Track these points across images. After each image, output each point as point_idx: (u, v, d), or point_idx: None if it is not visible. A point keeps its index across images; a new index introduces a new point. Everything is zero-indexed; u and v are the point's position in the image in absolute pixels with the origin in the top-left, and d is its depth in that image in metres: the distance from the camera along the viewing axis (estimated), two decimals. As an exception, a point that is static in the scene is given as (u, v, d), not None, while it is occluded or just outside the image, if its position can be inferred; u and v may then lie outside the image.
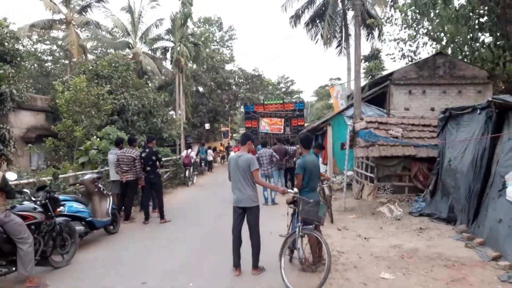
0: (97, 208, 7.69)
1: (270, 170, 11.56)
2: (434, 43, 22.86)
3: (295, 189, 5.44)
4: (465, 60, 14.52)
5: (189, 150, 16.56)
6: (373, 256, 6.38)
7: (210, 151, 22.84)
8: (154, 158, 9.17)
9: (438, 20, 16.34)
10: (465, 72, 13.76)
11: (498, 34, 10.97)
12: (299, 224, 5.13)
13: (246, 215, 5.52)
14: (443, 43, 21.16)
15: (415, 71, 14.00)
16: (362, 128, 10.79)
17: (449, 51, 15.54)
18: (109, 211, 7.80)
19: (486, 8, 11.01)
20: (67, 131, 13.59)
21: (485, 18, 11.46)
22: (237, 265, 5.49)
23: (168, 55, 28.26)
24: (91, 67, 17.66)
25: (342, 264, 5.92)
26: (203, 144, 23.69)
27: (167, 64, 30.33)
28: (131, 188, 9.29)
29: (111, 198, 8.14)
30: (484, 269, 5.68)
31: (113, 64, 18.10)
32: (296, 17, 28.37)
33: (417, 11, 17.99)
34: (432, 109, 13.82)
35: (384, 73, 17.33)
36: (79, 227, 6.74)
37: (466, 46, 13.45)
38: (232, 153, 9.66)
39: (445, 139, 9.28)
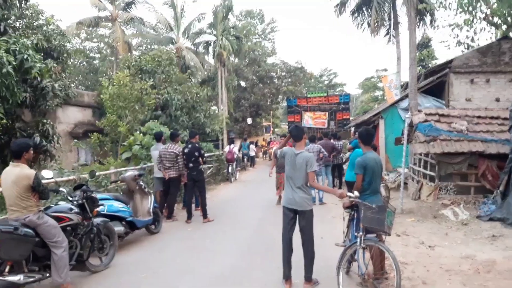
0: (139, 206, 7.36)
1: (317, 167, 10.83)
2: (493, 28, 21.05)
3: (356, 192, 4.74)
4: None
5: (232, 145, 16.15)
6: (443, 269, 5.56)
7: (252, 146, 22.38)
8: (197, 154, 8.75)
9: (500, 1, 14.77)
10: (536, 58, 12.29)
11: None
12: (361, 233, 4.43)
13: (298, 219, 4.90)
14: (504, 28, 19.35)
15: (477, 57, 12.69)
16: (421, 121, 9.81)
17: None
18: (151, 210, 7.46)
19: None
20: (111, 126, 13.55)
21: None
22: (287, 277, 4.88)
23: (211, 49, 28.03)
24: (134, 62, 17.65)
25: (408, 279, 5.16)
26: (245, 139, 23.26)
27: (210, 59, 30.18)
28: (173, 186, 8.95)
29: (152, 196, 7.80)
30: None
31: (156, 59, 17.99)
32: (341, 5, 27.15)
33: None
34: (497, 100, 12.49)
35: (440, 61, 16.01)
36: (119, 228, 6.42)
37: None
38: (284, 148, 8.98)
39: (521, 133, 8.16)
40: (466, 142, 9.05)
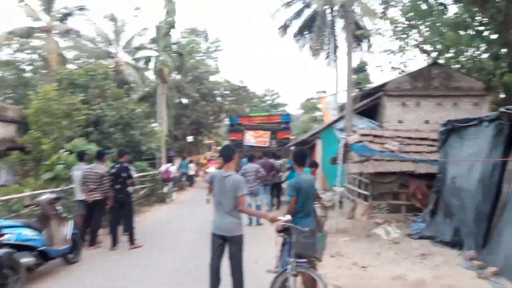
0: (55, 234, 6.58)
1: (256, 187, 10.61)
2: (425, 55, 22.56)
3: (287, 216, 4.51)
4: (461, 70, 13.95)
5: (169, 165, 15.51)
6: (375, 292, 5.47)
7: (191, 165, 21.78)
8: (124, 174, 8.14)
9: (431, 30, 15.85)
10: (461, 83, 13.17)
11: (499, 43, 10.40)
12: (292, 260, 4.18)
13: (227, 246, 4.55)
14: (434, 54, 20.79)
15: (409, 82, 13.34)
16: (356, 141, 9.98)
17: (442, 62, 14.96)
18: (69, 237, 6.72)
19: (485, 15, 10.43)
20: (34, 144, 12.43)
21: (483, 26, 10.89)
22: (214, 309, 4.49)
23: (151, 65, 27.29)
24: (65, 76, 16.56)
25: (341, 304, 4.98)
26: (184, 158, 22.61)
27: (151, 75, 29.36)
28: (98, 209, 8.23)
29: (72, 222, 7.07)
30: (507, 309, 4.82)
31: (90, 73, 17.03)
32: (284, 28, 27.87)
33: (414, 18, 17.47)
34: (427, 122, 13.14)
35: (375, 84, 16.78)
36: (29, 259, 5.65)
37: (463, 56, 12.86)
38: (211, 168, 8.84)
39: (447, 154, 8.51)
40: (398, 162, 9.30)
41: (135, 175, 9.75)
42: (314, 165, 8.77)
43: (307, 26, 28.16)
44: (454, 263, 6.63)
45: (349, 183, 11.24)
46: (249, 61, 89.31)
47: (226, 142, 35.19)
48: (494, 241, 6.14)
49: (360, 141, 10.00)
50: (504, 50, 10.76)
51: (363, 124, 13.33)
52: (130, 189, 8.51)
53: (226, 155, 4.65)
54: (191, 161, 22.30)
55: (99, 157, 8.35)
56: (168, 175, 14.90)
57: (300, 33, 28.39)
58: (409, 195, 9.21)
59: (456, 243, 7.27)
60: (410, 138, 10.23)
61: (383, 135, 10.32)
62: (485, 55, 12.97)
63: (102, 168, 8.13)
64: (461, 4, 11.24)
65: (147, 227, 10.45)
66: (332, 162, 11.86)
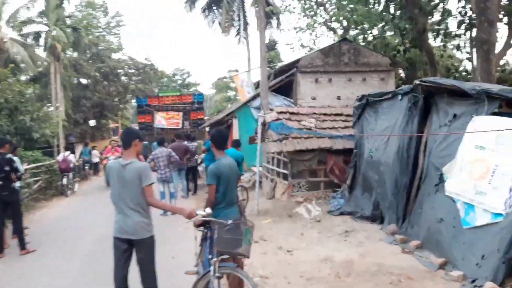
0: None
1: (168, 173, 9.71)
2: (332, 32, 23.13)
3: (207, 209, 3.83)
4: (368, 47, 14.32)
5: (67, 153, 13.73)
6: (305, 278, 5.12)
7: (95, 152, 19.79)
8: (7, 168, 6.71)
9: (339, 6, 16.06)
10: (369, 59, 13.48)
11: (405, 18, 10.72)
12: (214, 260, 3.54)
13: (135, 251, 3.74)
14: (341, 32, 21.35)
15: (321, 58, 13.30)
16: (273, 119, 9.60)
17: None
18: None
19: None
20: None
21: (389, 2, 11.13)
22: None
23: (42, 41, 24.07)
24: None
25: (271, 298, 4.50)
26: (86, 144, 20.49)
27: (42, 53, 25.95)
28: (-24, 210, 6.72)
29: None
30: (435, 282, 4.78)
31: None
32: (191, 1, 26.47)
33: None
34: (338, 98, 13.28)
35: (288, 61, 16.66)
36: None
37: (370, 32, 13.15)
38: (110, 159, 7.84)
39: (362, 129, 8.51)
40: (315, 139, 9.14)
41: (22, 167, 8.21)
42: (238, 144, 8.59)
43: (215, 1, 27.17)
44: (377, 238, 6.60)
45: (267, 163, 10.90)
46: (155, 38, 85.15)
47: (134, 125, 33.11)
48: (415, 214, 6.18)
49: (278, 119, 9.65)
50: (409, 26, 11.16)
51: (279, 102, 13.07)
52: (16, 184, 7.12)
53: (125, 140, 3.80)
54: (93, 147, 20.25)
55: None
56: (66, 165, 13.14)
57: (208, 7, 27.36)
58: (327, 172, 9.12)
59: (376, 217, 7.30)
60: (325, 114, 10.16)
61: (299, 112, 10.10)
62: (390, 32, 13.39)
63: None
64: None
65: (44, 226, 9.04)
66: (250, 141, 11.40)
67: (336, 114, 10.13)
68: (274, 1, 26.72)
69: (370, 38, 16.48)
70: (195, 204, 10.95)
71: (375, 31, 15.65)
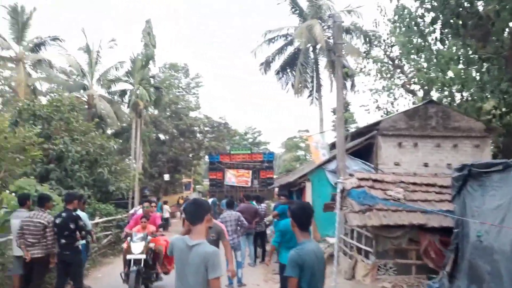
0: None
1: (236, 239, 8.94)
2: (411, 95, 21.98)
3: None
4: (460, 110, 13.02)
5: (138, 207, 13.62)
6: None
7: (166, 207, 19.84)
8: (72, 226, 6.46)
9: (419, 68, 15.16)
10: (460, 123, 12.18)
11: (507, 79, 9.52)
12: None
13: None
14: (421, 95, 20.15)
15: (404, 120, 12.27)
16: (354, 186, 8.59)
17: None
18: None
19: (487, 50, 9.56)
20: (-23, 183, 10.56)
21: (485, 62, 10.00)
22: None
23: (126, 98, 25.85)
24: (26, 106, 14.91)
25: None
26: (158, 199, 20.69)
27: (126, 109, 27.85)
28: (38, 270, 6.47)
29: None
30: None
31: (54, 104, 15.45)
32: (266, 64, 27.13)
33: (401, 56, 16.83)
34: (426, 165, 11.99)
35: (360, 125, 15.83)
36: None
37: (471, 91, 11.90)
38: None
39: (465, 205, 7.17)
40: (405, 213, 7.91)
41: (89, 223, 8.03)
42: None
43: (290, 63, 27.53)
44: None
45: (345, 235, 9.74)
46: (231, 98, 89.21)
47: (206, 181, 33.45)
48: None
49: (359, 186, 8.63)
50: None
51: (356, 166, 12.04)
52: (79, 242, 6.85)
53: (194, 214, 3.13)
54: (165, 202, 20.37)
55: (41, 203, 6.63)
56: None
57: (282, 70, 27.70)
58: (421, 253, 7.74)
59: (490, 320, 5.78)
60: (415, 183, 8.92)
61: (384, 179, 8.99)
62: (479, 93, 12.05)
63: (44, 217, 6.42)
64: (459, 38, 10.39)
65: (109, 284, 8.63)
66: (325, 208, 10.41)
67: (428, 184, 8.85)
68: (349, 64, 26.44)
69: (458, 100, 15.16)
70: (262, 273, 10.01)
71: (465, 93, 14.30)
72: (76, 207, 6.93)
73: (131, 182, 18.86)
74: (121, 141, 26.73)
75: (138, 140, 23.27)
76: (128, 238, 7.71)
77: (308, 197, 12.38)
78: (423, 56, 13.52)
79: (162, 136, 28.85)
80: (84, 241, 7.53)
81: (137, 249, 7.40)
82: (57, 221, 6.45)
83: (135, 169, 22.01)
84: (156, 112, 29.14)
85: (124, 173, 18.17)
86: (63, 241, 6.40)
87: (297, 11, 27.47)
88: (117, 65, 26.67)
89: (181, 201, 29.22)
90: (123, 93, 26.29)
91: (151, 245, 7.80)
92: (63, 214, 6.53)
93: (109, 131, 28.39)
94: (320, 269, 3.33)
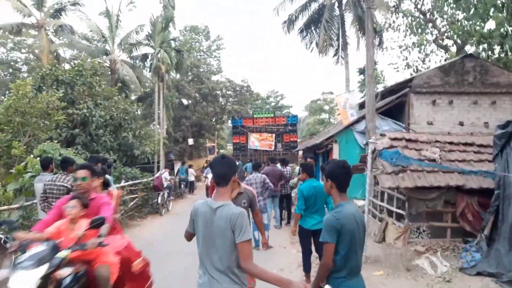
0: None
1: (262, 202, 8.74)
2: (443, 51, 20.73)
3: (327, 286, 2.68)
4: (500, 63, 12.10)
5: (163, 171, 13.65)
6: None
7: (191, 170, 19.91)
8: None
9: (457, 19, 14.08)
10: (500, 78, 11.32)
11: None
12: None
13: None
14: (454, 50, 18.95)
15: (439, 76, 11.49)
16: (386, 147, 8.12)
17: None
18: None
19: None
20: (3, 148, 10.67)
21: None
22: None
23: (148, 62, 25.55)
24: (49, 71, 14.84)
25: None
26: (183, 163, 20.75)
27: (148, 74, 27.65)
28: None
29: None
30: None
31: (76, 68, 15.32)
32: (290, 23, 26.03)
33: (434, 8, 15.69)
34: (461, 124, 11.31)
35: (389, 84, 14.96)
36: None
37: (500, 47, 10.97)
38: (196, 204, 4.38)
39: (508, 164, 6.67)
40: (441, 174, 7.44)
41: (114, 186, 7.94)
42: (309, 173, 6.31)
43: (314, 21, 26.32)
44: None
45: (374, 197, 9.39)
46: (253, 60, 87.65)
47: (229, 145, 33.39)
48: None
49: (392, 147, 8.16)
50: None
51: (387, 126, 11.49)
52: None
53: (220, 173, 2.82)
54: (190, 166, 20.45)
55: (64, 166, 6.49)
56: (159, 182, 13.03)
57: (306, 28, 26.54)
58: (457, 216, 7.33)
59: (536, 287, 5.41)
60: (451, 143, 8.37)
61: (418, 139, 8.46)
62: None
63: (67, 180, 6.30)
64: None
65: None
66: (354, 170, 9.99)
67: (465, 144, 8.28)
68: (376, 19, 25.07)
69: (496, 55, 14.11)
70: (288, 236, 9.87)
71: (505, 47, 13.24)
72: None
73: (156, 146, 18.90)
74: (144, 106, 26.74)
75: (161, 105, 23.15)
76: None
77: (336, 159, 11.98)
78: (459, 6, 12.42)
79: (185, 101, 28.67)
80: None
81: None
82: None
83: (160, 133, 22.03)
84: (178, 76, 28.82)
85: (148, 138, 18.17)
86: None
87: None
88: (137, 29, 26.29)
89: (205, 165, 29.48)
90: (144, 57, 25.96)
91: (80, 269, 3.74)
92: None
93: (132, 97, 28.39)
94: (360, 234, 3.02)
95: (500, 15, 9.23)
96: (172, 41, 25.73)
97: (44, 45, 25.01)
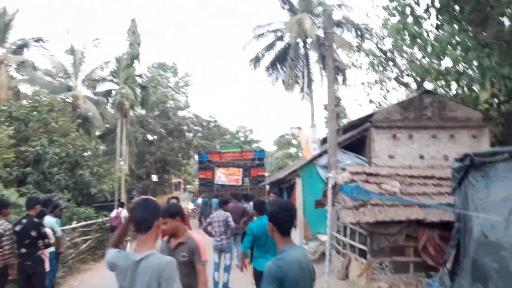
0: None
1: (225, 241, 8.31)
2: (403, 88, 21.50)
3: None
4: (457, 98, 12.50)
5: (120, 209, 12.93)
6: None
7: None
8: (34, 234, 5.78)
9: (416, 58, 14.68)
10: (457, 113, 11.62)
11: (508, 63, 8.99)
12: None
13: None
14: (414, 87, 19.67)
15: (398, 112, 11.68)
16: (346, 181, 8.00)
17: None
18: None
19: (486, 36, 9.01)
20: None
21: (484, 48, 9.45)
22: None
23: (112, 98, 25.11)
24: (2, 107, 14.18)
25: None
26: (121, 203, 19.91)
27: (112, 110, 27.07)
28: (-5, 282, 5.72)
29: None
30: None
31: (31, 104, 14.72)
32: (256, 60, 26.53)
33: (393, 49, 16.35)
34: (421, 157, 11.41)
35: (355, 117, 15.24)
36: None
37: (468, 79, 11.33)
38: (109, 252, 3.44)
39: (467, 197, 6.60)
40: (402, 208, 7.34)
41: (59, 229, 7.35)
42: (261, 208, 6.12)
43: (280, 59, 26.98)
44: None
45: (337, 232, 9.16)
46: (220, 96, 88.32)
47: (196, 181, 32.70)
48: None
49: (352, 181, 8.04)
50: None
51: (349, 160, 11.47)
52: (48, 250, 6.20)
53: (139, 219, 2.50)
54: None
55: (-3, 208, 5.94)
56: (118, 223, 12.30)
57: (272, 66, 27.14)
58: (419, 250, 7.17)
59: (499, 324, 5.22)
60: (411, 176, 8.36)
61: (379, 173, 8.41)
62: (479, 80, 11.51)
63: (0, 224, 5.74)
64: (456, 23, 9.84)
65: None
66: (316, 205, 9.84)
67: (425, 177, 8.30)
68: (340, 57, 25.94)
69: (453, 91, 14.66)
70: (251, 275, 9.39)
71: (461, 83, 13.78)
72: (38, 213, 6.23)
73: (116, 183, 18.15)
74: (106, 142, 25.99)
75: (123, 141, 22.53)
76: None
77: (299, 194, 11.79)
78: (417, 45, 12.93)
79: (150, 136, 28.12)
80: (53, 249, 6.87)
81: None
82: (17, 228, 5.77)
83: (122, 170, 21.29)
84: (143, 112, 28.39)
85: (108, 175, 17.45)
86: (23, 250, 5.72)
87: (288, 6, 26.91)
88: (102, 65, 25.91)
89: (168, 201, 28.56)
90: (108, 93, 25.52)
91: None
92: (24, 221, 5.84)
93: (97, 133, 27.60)
94: (306, 282, 2.71)
95: (455, 52, 9.61)
96: (137, 77, 25.48)
97: (4, 80, 24.18)
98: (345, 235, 8.71)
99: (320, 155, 12.10)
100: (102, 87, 26.27)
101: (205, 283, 3.76)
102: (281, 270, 2.53)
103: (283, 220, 2.71)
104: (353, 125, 12.82)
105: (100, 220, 13.18)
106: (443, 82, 13.02)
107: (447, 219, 7.04)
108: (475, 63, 10.22)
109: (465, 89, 12.46)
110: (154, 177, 25.38)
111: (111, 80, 24.46)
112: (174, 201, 8.65)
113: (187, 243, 3.76)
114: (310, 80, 27.00)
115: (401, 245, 7.36)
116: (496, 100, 11.53)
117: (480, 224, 5.99)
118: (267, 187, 22.43)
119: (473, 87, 12.26)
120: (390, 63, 21.81)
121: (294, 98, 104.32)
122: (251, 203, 11.74)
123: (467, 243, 6.36)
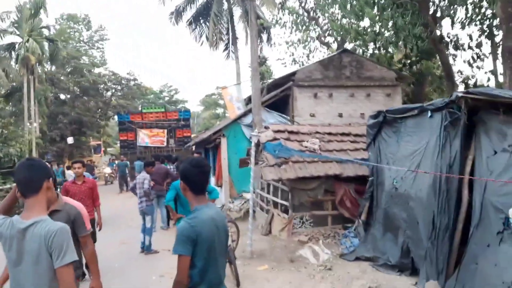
0: None
1: (145, 203, 8.03)
2: (325, 48, 21.95)
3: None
4: (373, 58, 12.99)
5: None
6: None
7: (69, 172, 17.88)
8: None
9: (337, 18, 14.89)
10: (373, 73, 12.14)
11: (420, 24, 9.43)
12: None
13: None
14: (335, 47, 20.16)
15: (320, 71, 11.91)
16: (269, 139, 8.03)
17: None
18: None
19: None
20: None
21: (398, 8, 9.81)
22: None
23: (15, 53, 22.40)
24: None
25: None
26: (58, 164, 18.60)
27: (16, 66, 24.22)
28: None
29: None
30: None
31: None
32: (177, 14, 25.10)
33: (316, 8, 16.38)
34: (340, 115, 11.86)
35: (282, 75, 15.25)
36: None
37: (384, 40, 11.71)
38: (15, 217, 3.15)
39: (380, 152, 7.00)
40: (321, 164, 7.59)
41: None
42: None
43: (203, 14, 25.84)
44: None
45: (261, 189, 9.31)
46: (142, 52, 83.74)
47: (118, 143, 31.18)
48: (466, 269, 4.62)
49: (275, 139, 8.09)
50: (424, 34, 9.86)
51: (273, 119, 11.55)
52: None
53: (23, 180, 2.17)
54: (68, 167, 18.34)
55: None
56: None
57: (195, 20, 25.93)
58: (336, 203, 7.54)
59: (405, 267, 5.72)
60: (330, 133, 8.64)
61: (300, 131, 8.57)
62: (393, 39, 12.01)
63: None
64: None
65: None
66: (241, 164, 9.86)
67: (343, 134, 8.63)
68: (264, 15, 25.58)
69: (371, 51, 15.21)
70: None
71: (378, 43, 14.31)
72: None
73: (26, 147, 16.59)
74: (13, 102, 23.49)
75: (32, 101, 20.47)
76: None
77: (224, 154, 11.71)
78: (337, 4, 13.06)
79: (62, 96, 25.83)
80: None
81: None
82: None
83: (32, 132, 19.47)
84: (53, 68, 25.85)
85: (16, 138, 15.85)
86: None
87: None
88: (2, 16, 22.80)
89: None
90: (10, 46, 22.69)
91: None
92: None
93: (1, 92, 24.71)
94: (222, 241, 2.60)
95: (372, 11, 9.86)
96: (44, 29, 22.92)
97: None
98: (268, 192, 8.87)
99: (244, 114, 12.02)
100: (3, 41, 23.32)
101: (94, 254, 3.25)
102: (194, 229, 2.38)
103: (195, 178, 2.53)
104: (276, 84, 12.84)
105: (8, 186, 12.01)
106: (361, 42, 13.42)
107: (362, 173, 7.44)
108: (390, 23, 10.60)
109: (382, 49, 12.98)
110: (70, 140, 23.61)
111: (13, 32, 21.69)
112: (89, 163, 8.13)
113: (63, 211, 3.11)
114: (235, 38, 26.40)
115: (320, 200, 7.68)
116: (408, 61, 12.16)
117: (391, 177, 6.40)
118: (194, 147, 22.11)
119: (389, 48, 12.80)
120: (313, 22, 22.00)
121: (220, 57, 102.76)
122: (174, 165, 11.47)
123: (379, 195, 6.80)
